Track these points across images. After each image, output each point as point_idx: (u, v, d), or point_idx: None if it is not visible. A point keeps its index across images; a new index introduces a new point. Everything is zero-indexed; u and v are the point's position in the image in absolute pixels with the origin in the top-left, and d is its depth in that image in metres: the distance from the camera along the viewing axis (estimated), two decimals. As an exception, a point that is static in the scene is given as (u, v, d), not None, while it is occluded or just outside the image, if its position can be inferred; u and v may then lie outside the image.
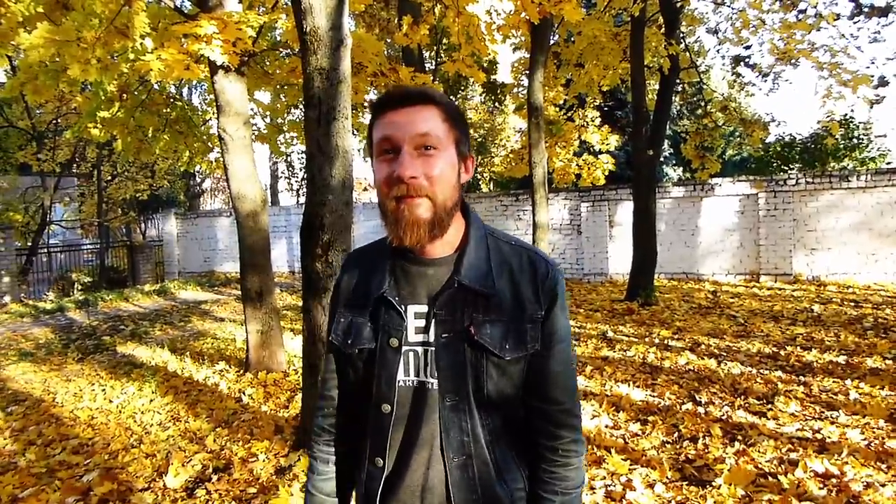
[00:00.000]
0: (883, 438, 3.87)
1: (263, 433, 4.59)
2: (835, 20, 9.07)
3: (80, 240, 22.22)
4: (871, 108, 9.25)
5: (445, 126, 1.18)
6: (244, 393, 5.70)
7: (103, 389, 6.20)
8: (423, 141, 1.14)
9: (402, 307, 1.21)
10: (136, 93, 7.46)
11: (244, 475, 3.89)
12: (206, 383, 6.16)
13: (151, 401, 5.69)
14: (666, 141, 15.08)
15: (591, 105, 13.46)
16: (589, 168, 13.38)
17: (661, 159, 16.21)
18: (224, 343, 8.19)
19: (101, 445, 4.59)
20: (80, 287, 15.91)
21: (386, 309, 1.22)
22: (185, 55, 5.11)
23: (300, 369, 5.12)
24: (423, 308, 1.21)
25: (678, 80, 11.41)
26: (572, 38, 11.53)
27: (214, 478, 3.88)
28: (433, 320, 1.19)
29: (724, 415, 4.50)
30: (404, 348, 1.20)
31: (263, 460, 4.10)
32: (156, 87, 7.79)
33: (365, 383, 1.25)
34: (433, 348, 1.19)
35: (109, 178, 19.73)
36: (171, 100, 8.37)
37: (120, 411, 5.44)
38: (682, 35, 10.52)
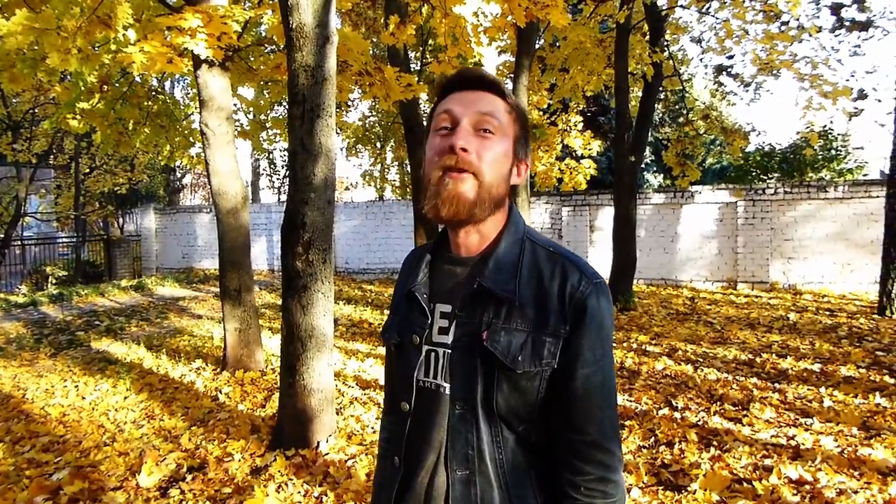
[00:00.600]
0: (856, 446, 3.92)
1: (239, 432, 4.54)
2: (817, 33, 9.21)
3: (56, 233, 21.87)
4: (850, 120, 9.40)
5: (509, 117, 1.15)
6: (221, 391, 5.64)
7: (76, 386, 6.10)
8: (484, 121, 1.11)
9: (430, 305, 1.18)
10: (117, 84, 7.36)
11: (219, 475, 3.84)
12: (182, 381, 6.08)
13: (126, 398, 5.60)
14: (647, 148, 15.20)
15: (575, 110, 13.52)
16: (571, 173, 13.44)
17: (643, 166, 16.34)
18: (201, 340, 8.10)
19: (72, 443, 4.51)
20: (54, 281, 15.65)
21: (414, 305, 1.20)
22: (168, 48, 5.05)
23: (278, 368, 5.07)
24: (449, 308, 1.17)
25: (661, 88, 11.51)
26: (558, 43, 11.57)
27: (189, 477, 3.82)
28: (454, 322, 1.15)
29: (700, 420, 4.54)
30: (426, 347, 1.17)
31: (239, 460, 4.05)
32: (137, 79, 7.68)
33: (395, 380, 1.25)
34: (450, 351, 1.14)
35: (87, 170, 19.42)
36: (153, 93, 8.27)
37: (93, 408, 5.35)
38: (666, 43, 10.61)
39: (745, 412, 4.67)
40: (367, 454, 4.01)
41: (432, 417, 1.15)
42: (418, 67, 13.71)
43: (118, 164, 19.33)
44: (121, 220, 21.83)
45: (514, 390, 1.09)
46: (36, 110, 16.34)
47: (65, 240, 19.45)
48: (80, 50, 5.04)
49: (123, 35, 5.15)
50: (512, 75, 8.97)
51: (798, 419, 4.48)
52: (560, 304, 1.09)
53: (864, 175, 16.66)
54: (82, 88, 6.20)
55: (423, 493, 1.15)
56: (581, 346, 1.08)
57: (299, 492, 3.55)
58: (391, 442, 1.32)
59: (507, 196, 1.17)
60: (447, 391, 1.13)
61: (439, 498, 1.13)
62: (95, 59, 5.41)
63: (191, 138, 9.07)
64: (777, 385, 5.36)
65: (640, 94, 11.61)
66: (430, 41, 14.43)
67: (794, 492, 3.32)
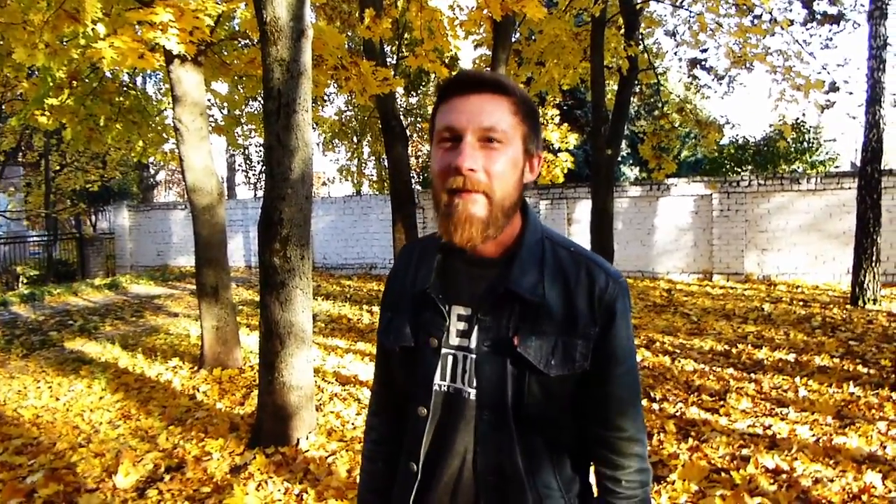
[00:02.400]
0: (831, 435, 3.99)
1: (218, 431, 4.49)
2: (789, 26, 9.33)
3: (26, 231, 21.47)
4: (822, 112, 9.54)
5: (514, 119, 1.08)
6: (198, 390, 5.58)
7: (49, 387, 6.00)
8: (488, 133, 1.05)
9: (446, 307, 1.14)
10: (86, 80, 7.22)
11: (198, 474, 3.80)
12: (158, 380, 6.01)
13: (101, 398, 5.52)
14: (624, 141, 15.29)
15: (552, 104, 13.56)
16: (548, 166, 13.47)
17: (619, 159, 16.44)
18: (178, 339, 8.01)
19: (46, 445, 4.43)
20: (25, 280, 15.37)
21: (428, 307, 1.15)
22: (139, 43, 4.96)
23: (257, 366, 5.03)
24: (467, 311, 1.13)
25: (636, 81, 11.58)
26: (534, 37, 11.59)
27: (167, 477, 3.78)
28: (476, 326, 1.11)
29: (678, 411, 4.59)
30: (443, 350, 1.13)
31: (218, 459, 4.02)
32: (108, 74, 7.55)
33: (407, 384, 1.20)
34: (474, 356, 1.11)
35: (58, 167, 19.07)
36: (125, 88, 8.13)
37: (67, 409, 5.26)
38: (641, 36, 10.67)
39: (722, 403, 4.72)
40: (347, 450, 4.00)
41: (455, 423, 1.12)
42: (395, 61, 13.64)
43: (90, 160, 18.99)
44: (93, 217, 21.51)
45: (545, 394, 1.09)
46: (3, 106, 15.99)
47: (36, 238, 19.11)
48: (48, 45, 4.94)
49: (92, 30, 5.05)
50: (489, 69, 8.97)
51: (774, 409, 4.55)
52: (589, 306, 1.09)
53: (836, 167, 16.93)
54: (51, 84, 6.08)
55: (447, 499, 1.13)
56: (613, 347, 1.10)
57: (279, 490, 3.53)
58: (384, 446, 1.31)
59: (520, 199, 1.13)
60: (472, 396, 1.11)
61: None
62: (64, 53, 5.30)
63: (164, 134, 8.94)
64: (753, 375, 5.43)
65: (615, 87, 11.67)
66: (407, 35, 14.37)
67: (771, 481, 3.37)
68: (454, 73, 1.14)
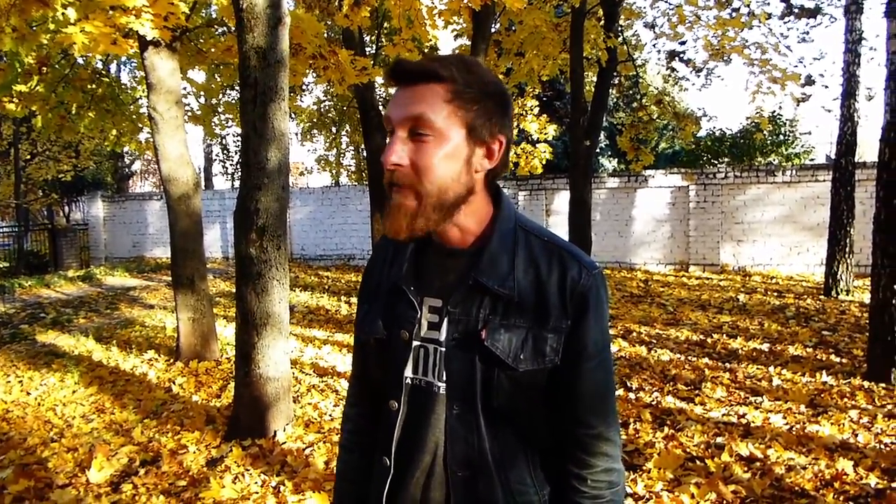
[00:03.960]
0: (804, 423, 4.04)
1: (194, 424, 4.44)
2: (766, 19, 9.41)
3: (-4, 222, 21.06)
4: (798, 105, 9.65)
5: (450, 108, 1.01)
6: (174, 382, 5.51)
7: (20, 381, 5.88)
8: (415, 125, 1.01)
9: (417, 299, 1.12)
10: (57, 66, 7.07)
11: (173, 467, 3.76)
12: (133, 373, 5.92)
13: (74, 392, 5.43)
14: (602, 132, 15.37)
15: (531, 94, 13.54)
16: (527, 157, 13.48)
17: (598, 150, 16.51)
18: (153, 331, 7.90)
19: (17, 440, 4.35)
20: (-5, 272, 15.05)
21: (401, 299, 1.13)
22: (112, 28, 4.85)
23: (233, 358, 4.98)
24: (438, 303, 1.11)
25: (615, 73, 11.61)
26: (513, 27, 11.55)
27: (142, 471, 3.73)
28: (446, 318, 1.08)
29: (654, 400, 4.63)
30: (415, 343, 1.11)
31: (194, 452, 3.97)
32: (80, 61, 7.39)
33: (380, 376, 1.17)
34: (443, 349, 1.08)
35: (28, 157, 18.70)
36: (97, 75, 7.97)
37: (39, 404, 5.17)
38: (620, 28, 10.69)
39: (697, 392, 4.77)
40: (325, 442, 3.97)
41: (426, 417, 1.10)
42: (374, 51, 13.54)
43: (62, 150, 18.66)
44: (66, 208, 21.15)
45: (515, 388, 1.06)
46: (-29, 94, 15.61)
47: (6, 229, 18.74)
48: (15, 29, 4.81)
49: (63, 14, 4.92)
50: (468, 59, 8.90)
51: (748, 398, 4.60)
52: (560, 297, 1.06)
53: (811, 160, 17.17)
54: (19, 70, 5.94)
55: (418, 493, 1.11)
56: (585, 340, 1.06)
57: (256, 482, 3.50)
58: (360, 436, 1.29)
59: (474, 188, 1.07)
60: (442, 390, 1.08)
61: (437, 499, 1.10)
62: (33, 38, 5.17)
63: (139, 123, 8.80)
64: (728, 365, 5.49)
65: (595, 79, 11.68)
66: (386, 24, 14.25)
67: (746, 469, 3.41)
68: (393, 61, 1.09)
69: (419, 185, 1.02)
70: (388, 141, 1.06)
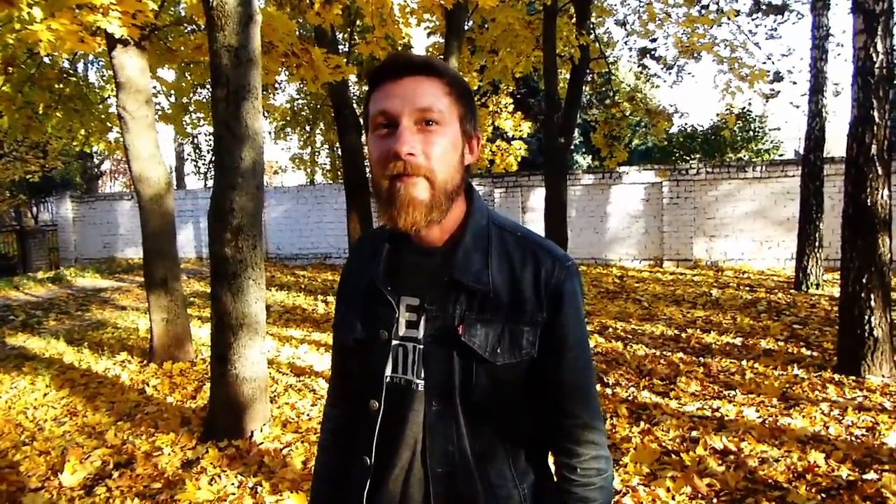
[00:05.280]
0: (776, 416, 4.12)
1: (169, 425, 4.40)
2: (735, 16, 9.55)
3: (-37, 224, 20.59)
4: (767, 101, 9.81)
5: (448, 100, 1.06)
6: (148, 384, 5.45)
7: (-10, 384, 5.78)
8: (425, 115, 1.03)
9: (395, 298, 1.13)
10: (23, 66, 6.93)
11: (148, 470, 3.72)
12: (106, 375, 5.84)
13: (45, 395, 5.34)
14: (577, 129, 15.47)
15: (505, 92, 13.61)
16: (502, 154, 13.55)
17: (572, 147, 16.62)
18: (126, 332, 7.80)
19: (-13, 444, 4.27)
20: (-38, 275, 14.72)
21: (378, 299, 1.14)
22: (79, 26, 4.77)
23: (209, 358, 4.94)
24: (415, 301, 1.12)
25: (588, 70, 11.71)
26: (486, 25, 11.59)
27: (115, 474, 3.68)
28: (423, 316, 1.10)
29: (630, 395, 4.68)
30: (394, 342, 1.12)
31: (169, 454, 3.93)
32: (46, 60, 7.26)
33: (360, 376, 1.18)
34: (421, 346, 1.09)
35: (-5, 157, 18.30)
36: (65, 75, 7.83)
37: (9, 407, 5.08)
38: (592, 25, 10.79)
39: (672, 386, 4.83)
40: (302, 442, 3.96)
41: (405, 414, 1.10)
42: (347, 49, 13.48)
43: (29, 150, 18.25)
44: (35, 209, 20.74)
45: (493, 383, 1.07)
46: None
47: (-27, 231, 18.31)
48: (-19, 28, 4.71)
49: (28, 12, 4.83)
50: (442, 56, 8.94)
51: (722, 391, 4.68)
52: (535, 291, 1.08)
53: (780, 155, 17.48)
54: (-15, 69, 5.82)
55: (398, 491, 1.11)
56: (563, 332, 1.08)
57: (233, 483, 3.48)
58: (340, 436, 1.30)
59: (463, 181, 1.11)
60: (420, 387, 1.09)
61: (416, 496, 1.10)
62: (-2, 37, 5.07)
63: (108, 123, 8.66)
64: (702, 359, 5.57)
65: (568, 76, 11.76)
66: (359, 22, 14.19)
67: (720, 462, 3.46)
68: (384, 59, 1.11)
69: (432, 174, 1.03)
70: (373, 134, 1.07)
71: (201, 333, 7.13)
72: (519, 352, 1.07)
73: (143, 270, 6.54)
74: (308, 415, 4.49)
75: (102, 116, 8.58)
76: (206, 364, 5.77)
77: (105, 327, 8.25)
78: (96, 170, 26.99)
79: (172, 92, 9.13)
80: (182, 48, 6.87)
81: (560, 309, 1.08)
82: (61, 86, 7.58)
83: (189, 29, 7.49)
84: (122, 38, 5.33)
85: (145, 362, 6.16)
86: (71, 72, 8.25)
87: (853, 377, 4.82)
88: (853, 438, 3.73)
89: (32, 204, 20.94)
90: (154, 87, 8.22)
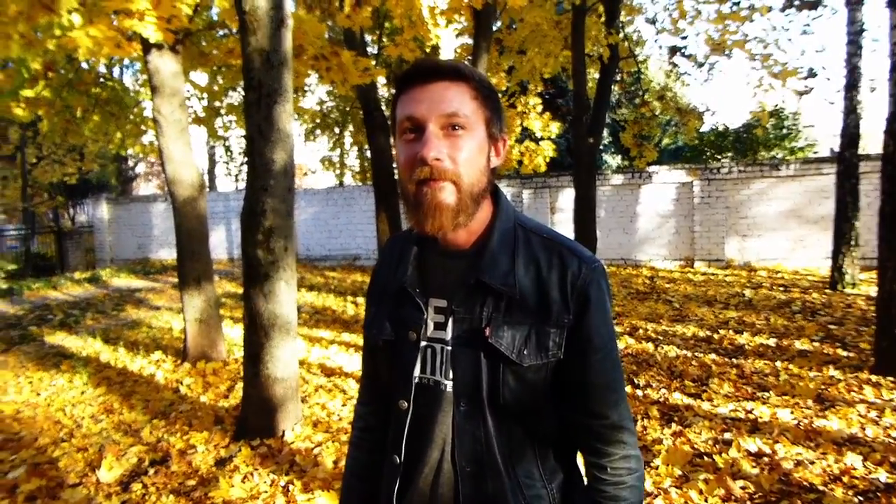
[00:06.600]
0: (811, 418, 4.05)
1: (202, 424, 4.47)
2: (767, 12, 9.38)
3: (3, 225, 21.15)
4: (800, 98, 9.63)
5: (475, 104, 1.07)
6: (182, 383, 5.54)
7: (30, 382, 5.93)
8: (451, 120, 1.04)
9: (423, 300, 1.15)
10: (62, 71, 7.11)
11: (182, 467, 3.79)
12: (141, 374, 5.96)
13: (83, 393, 5.47)
14: (605, 129, 15.34)
15: (533, 92, 13.53)
16: (531, 155, 13.47)
17: (601, 147, 16.50)
18: (160, 332, 7.94)
19: (28, 440, 4.39)
20: (3, 275, 15.14)
21: (407, 301, 1.16)
22: (116, 32, 4.88)
23: (241, 358, 5.01)
24: (443, 303, 1.14)
25: (617, 69, 11.60)
26: (514, 25, 11.56)
27: (151, 471, 3.76)
28: (451, 318, 1.12)
29: (661, 397, 4.63)
30: (422, 343, 1.14)
31: (203, 452, 4.00)
32: (84, 65, 7.44)
33: (390, 377, 1.20)
34: (449, 348, 1.11)
35: (34, 160, 18.75)
36: (102, 79, 8.01)
37: (48, 404, 5.21)
38: (621, 24, 10.69)
39: (704, 388, 4.77)
40: (333, 441, 4.00)
41: (434, 415, 1.12)
42: (375, 51, 13.57)
43: (67, 153, 18.69)
44: (72, 211, 21.22)
45: (520, 384, 1.09)
46: (-23, 99, 15.68)
47: (13, 232, 18.83)
48: (23, 35, 4.85)
49: (68, 19, 4.96)
50: (470, 58, 8.94)
51: (755, 393, 4.61)
52: (562, 293, 1.08)
53: (815, 153, 17.13)
54: (26, 75, 5.98)
55: (427, 490, 1.13)
56: (590, 334, 1.09)
57: (265, 481, 3.53)
58: (370, 434, 1.32)
59: (489, 184, 1.12)
60: (449, 388, 1.11)
61: (446, 495, 1.12)
62: (39, 44, 5.20)
63: (143, 126, 8.84)
64: (734, 360, 5.49)
65: (597, 75, 11.67)
66: (388, 24, 14.27)
67: (754, 464, 3.42)
68: (411, 64, 1.13)
69: (458, 178, 1.04)
70: (400, 139, 1.09)
71: (233, 334, 7.23)
72: (545, 353, 1.08)
73: (176, 271, 6.65)
74: (338, 415, 4.53)
75: (137, 120, 8.75)
76: (239, 364, 5.86)
77: (140, 327, 8.42)
78: (131, 172, 27.54)
79: (205, 95, 9.26)
80: (214, 52, 6.98)
81: (586, 311, 1.09)
82: (98, 90, 7.76)
83: (221, 33, 7.61)
84: (157, 43, 5.43)
85: (179, 361, 6.27)
86: (107, 76, 8.44)
87: (891, 378, 4.72)
88: (891, 440, 3.65)
89: (70, 206, 21.42)
90: (188, 91, 8.36)
